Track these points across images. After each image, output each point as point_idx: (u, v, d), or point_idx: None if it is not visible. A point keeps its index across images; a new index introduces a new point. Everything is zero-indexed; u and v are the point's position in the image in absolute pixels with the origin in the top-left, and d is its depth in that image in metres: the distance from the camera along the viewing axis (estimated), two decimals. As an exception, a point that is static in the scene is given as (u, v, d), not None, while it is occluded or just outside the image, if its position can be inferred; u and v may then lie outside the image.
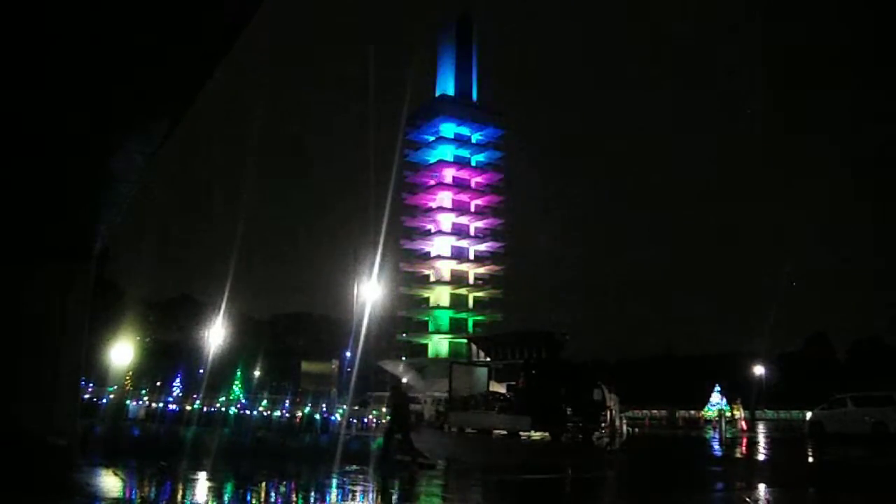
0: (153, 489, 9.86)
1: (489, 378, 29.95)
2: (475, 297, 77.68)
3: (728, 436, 29.77)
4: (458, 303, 76.20)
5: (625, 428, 31.26)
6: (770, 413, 58.35)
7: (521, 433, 24.72)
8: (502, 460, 15.91)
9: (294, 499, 9.33)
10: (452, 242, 76.11)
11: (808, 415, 31.80)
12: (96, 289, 14.29)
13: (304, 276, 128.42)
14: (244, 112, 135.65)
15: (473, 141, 79.55)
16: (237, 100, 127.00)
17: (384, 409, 20.18)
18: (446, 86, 79.30)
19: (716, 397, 70.61)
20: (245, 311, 59.96)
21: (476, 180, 78.92)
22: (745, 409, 44.64)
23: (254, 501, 8.97)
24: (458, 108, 77.83)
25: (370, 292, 27.05)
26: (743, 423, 37.40)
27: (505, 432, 25.50)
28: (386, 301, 50.31)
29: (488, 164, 80.00)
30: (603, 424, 25.10)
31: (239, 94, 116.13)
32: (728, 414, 42.25)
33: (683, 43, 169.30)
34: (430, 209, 76.78)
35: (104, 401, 19.68)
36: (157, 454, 12.63)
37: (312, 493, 9.80)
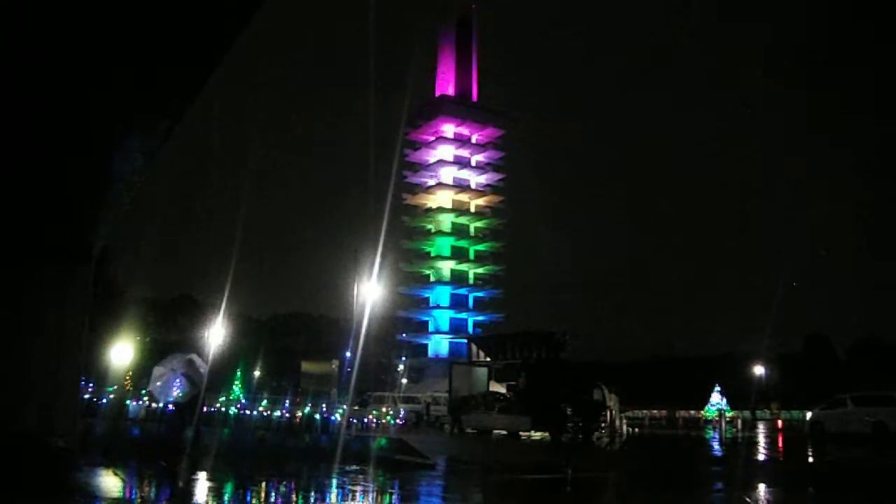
0: (153, 489, 9.85)
1: (489, 378, 29.91)
2: (475, 297, 77.70)
3: (728, 436, 29.77)
4: (458, 303, 76.20)
5: (625, 428, 31.34)
6: (768, 413, 58.38)
7: (521, 433, 24.69)
8: (502, 460, 15.89)
9: (294, 499, 9.32)
10: (452, 242, 76.14)
11: (808, 415, 31.77)
12: (96, 289, 14.30)
13: (304, 276, 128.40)
14: (245, 112, 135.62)
15: (473, 141, 79.56)
16: (238, 100, 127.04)
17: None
18: (446, 86, 79.29)
19: (716, 397, 70.76)
20: (245, 311, 59.93)
21: (476, 180, 78.96)
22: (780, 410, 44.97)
23: (254, 501, 8.97)
24: (458, 108, 77.84)
25: (370, 292, 27.06)
26: (779, 422, 37.68)
27: (505, 432, 25.47)
28: (386, 301, 50.28)
29: (488, 164, 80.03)
30: (603, 424, 25.09)
31: (239, 95, 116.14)
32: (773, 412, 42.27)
33: (685, 42, 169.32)
34: (430, 209, 76.81)
35: (104, 401, 19.64)
36: (157, 454, 12.62)
37: (312, 493, 9.79)
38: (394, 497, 9.69)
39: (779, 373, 62.41)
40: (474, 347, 31.26)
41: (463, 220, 77.51)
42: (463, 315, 76.03)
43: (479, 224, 78.67)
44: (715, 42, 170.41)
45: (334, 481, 10.64)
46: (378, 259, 26.54)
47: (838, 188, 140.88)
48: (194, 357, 16.10)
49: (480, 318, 76.46)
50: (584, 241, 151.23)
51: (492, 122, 78.71)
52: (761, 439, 27.65)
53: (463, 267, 76.72)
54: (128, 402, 20.75)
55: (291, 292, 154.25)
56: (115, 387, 24.08)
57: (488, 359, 29.83)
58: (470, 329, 73.94)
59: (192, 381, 14.88)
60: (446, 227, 76.11)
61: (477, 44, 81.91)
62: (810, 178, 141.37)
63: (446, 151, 77.57)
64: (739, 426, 41.34)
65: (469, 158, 79.08)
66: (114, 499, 8.65)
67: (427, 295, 77.28)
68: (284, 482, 10.63)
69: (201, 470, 11.11)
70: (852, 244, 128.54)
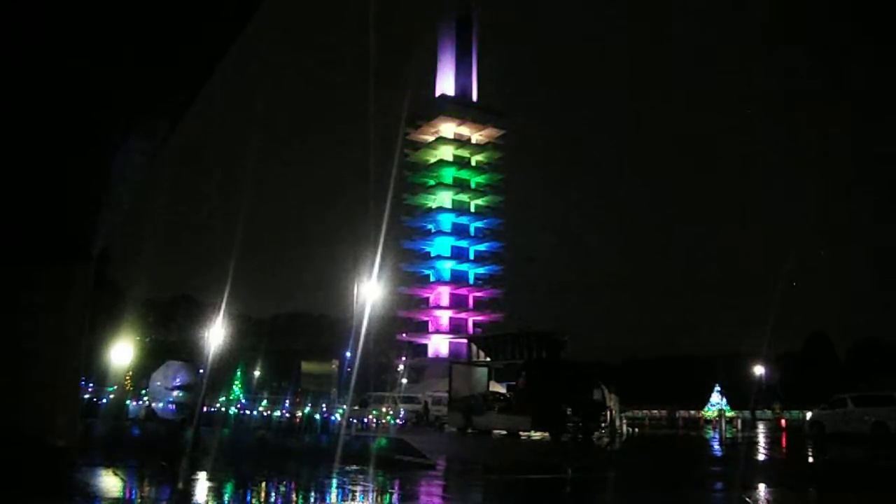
0: (153, 489, 9.86)
1: (489, 378, 29.94)
2: (475, 298, 77.69)
3: (728, 436, 29.80)
4: (458, 302, 76.19)
5: (625, 428, 31.38)
6: (770, 413, 58.42)
7: (521, 433, 24.71)
8: (502, 460, 15.91)
9: (294, 499, 9.32)
10: (452, 242, 76.15)
11: (808, 415, 31.78)
12: (96, 289, 14.28)
13: (304, 276, 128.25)
14: (244, 112, 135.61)
15: (473, 141, 79.56)
16: (237, 100, 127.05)
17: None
18: (446, 86, 79.27)
19: (716, 397, 70.76)
20: (245, 311, 59.88)
21: (476, 180, 79.00)
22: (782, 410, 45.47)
23: (254, 501, 8.97)
24: (458, 108, 77.79)
25: (370, 292, 27.02)
26: (783, 422, 38.03)
27: (505, 432, 25.50)
28: (386, 301, 50.26)
29: (488, 164, 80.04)
30: (603, 424, 25.12)
31: (239, 95, 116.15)
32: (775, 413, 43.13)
33: (684, 42, 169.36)
34: (430, 209, 76.82)
35: (104, 401, 19.67)
36: (157, 454, 12.63)
37: (312, 493, 9.80)
38: (394, 497, 9.69)
39: (779, 373, 62.46)
40: (474, 347, 31.31)
41: (463, 219, 77.56)
42: (463, 315, 76.02)
43: (479, 224, 78.72)
44: (716, 41, 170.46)
45: (334, 481, 10.65)
46: (378, 259, 26.49)
47: (838, 188, 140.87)
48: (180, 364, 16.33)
49: (480, 318, 76.47)
50: (584, 240, 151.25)
51: (492, 122, 78.72)
52: (761, 439, 27.65)
53: (463, 267, 76.73)
54: (128, 402, 20.79)
55: (291, 292, 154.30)
56: (115, 387, 24.10)
57: (488, 359, 29.86)
58: (470, 329, 73.94)
59: (190, 384, 15.02)
60: (446, 227, 76.16)
61: (477, 43, 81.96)
62: (810, 177, 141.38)
63: (446, 152, 77.62)
64: (739, 426, 41.39)
65: (469, 159, 79.14)
66: (114, 499, 8.66)
67: (427, 295, 77.29)
68: (284, 482, 10.64)
69: (201, 470, 11.11)
70: (852, 244, 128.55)
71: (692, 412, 63.55)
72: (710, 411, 64.15)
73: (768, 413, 57.87)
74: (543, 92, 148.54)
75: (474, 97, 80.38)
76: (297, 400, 25.73)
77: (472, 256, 77.64)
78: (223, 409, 19.40)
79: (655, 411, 59.43)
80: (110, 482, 10.12)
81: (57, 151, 8.53)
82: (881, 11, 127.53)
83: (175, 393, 22.46)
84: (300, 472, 11.77)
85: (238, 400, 25.68)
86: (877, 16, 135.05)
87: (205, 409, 18.02)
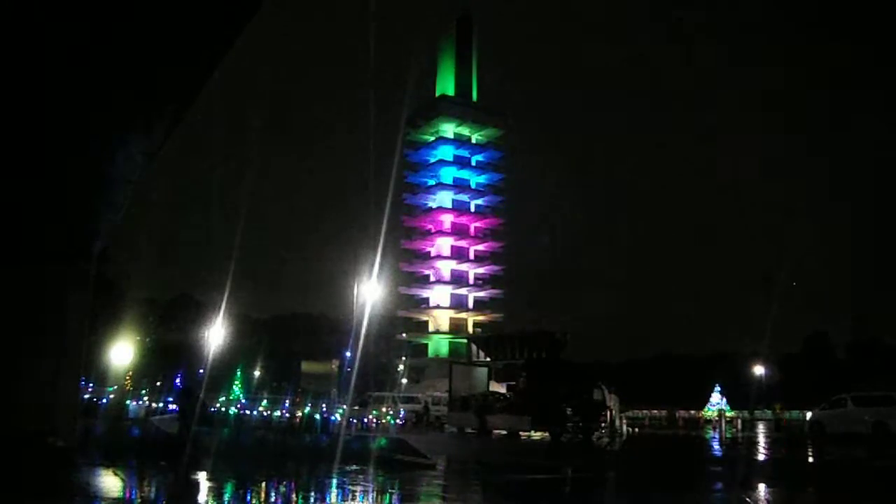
0: (153, 489, 9.86)
1: (489, 378, 29.93)
2: (475, 297, 77.70)
3: (728, 436, 29.79)
4: (458, 303, 76.19)
5: (625, 428, 31.35)
6: (770, 413, 58.38)
7: (521, 433, 24.71)
8: (502, 460, 15.91)
9: (294, 499, 9.32)
10: (452, 242, 76.16)
11: (808, 415, 31.77)
12: (96, 289, 14.29)
13: (304, 276, 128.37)
14: (245, 112, 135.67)
15: (473, 141, 79.56)
16: (238, 100, 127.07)
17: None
18: (446, 86, 79.27)
19: (716, 397, 70.71)
20: (245, 311, 59.88)
21: (476, 180, 79.01)
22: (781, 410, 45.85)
23: (254, 501, 8.97)
24: (458, 108, 77.78)
25: (370, 292, 27.02)
26: (784, 422, 38.43)
27: (505, 432, 25.49)
28: (386, 301, 50.29)
29: (488, 164, 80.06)
30: (603, 424, 25.12)
31: (240, 95, 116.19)
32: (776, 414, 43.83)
33: (684, 40, 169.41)
34: (430, 209, 76.83)
35: (104, 401, 19.71)
36: (157, 454, 12.63)
37: (312, 493, 9.80)
38: (394, 497, 9.69)
39: (779, 373, 62.38)
40: (474, 347, 31.28)
41: (463, 220, 77.56)
42: (463, 315, 76.03)
43: (479, 224, 78.72)
44: (716, 40, 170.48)
45: (334, 481, 10.64)
46: (378, 259, 26.52)
47: (838, 188, 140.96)
48: None
49: (480, 318, 76.47)
50: (584, 240, 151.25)
51: (492, 122, 78.73)
52: (761, 439, 27.65)
53: (463, 267, 76.74)
54: (128, 402, 20.84)
55: (291, 292, 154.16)
56: (115, 387, 24.14)
57: (488, 359, 29.84)
58: (470, 329, 73.92)
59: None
60: (446, 227, 76.16)
61: (477, 43, 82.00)
62: (810, 177, 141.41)
63: (446, 151, 77.62)
64: (739, 426, 41.35)
65: (469, 159, 79.13)
66: (114, 499, 8.66)
67: (427, 295, 77.30)
68: (284, 482, 10.64)
69: (201, 470, 11.11)
70: (852, 244, 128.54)
71: (692, 412, 63.46)
72: (710, 411, 64.08)
73: (768, 413, 57.80)
74: (543, 92, 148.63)
75: (474, 97, 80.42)
76: (297, 400, 25.77)
77: (472, 257, 77.67)
78: (223, 409, 19.43)
79: (655, 411, 59.33)
80: (110, 482, 10.12)
81: (57, 151, 8.53)
82: (879, 9, 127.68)
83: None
84: (300, 472, 11.77)
85: (238, 400, 25.72)
86: (876, 13, 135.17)
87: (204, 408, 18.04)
